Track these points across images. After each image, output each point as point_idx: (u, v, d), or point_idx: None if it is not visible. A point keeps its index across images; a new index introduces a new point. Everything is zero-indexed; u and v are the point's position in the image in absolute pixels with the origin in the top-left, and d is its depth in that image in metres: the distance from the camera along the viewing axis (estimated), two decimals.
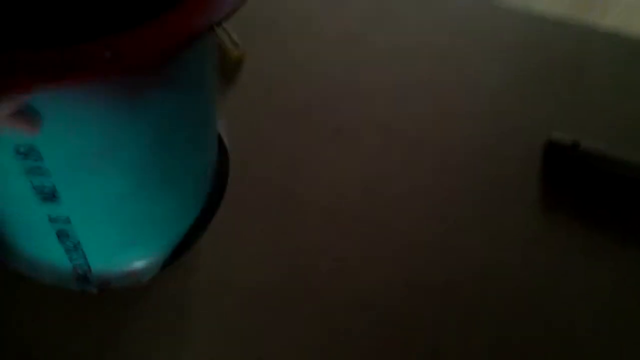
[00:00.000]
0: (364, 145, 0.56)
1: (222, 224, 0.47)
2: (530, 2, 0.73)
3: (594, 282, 0.49)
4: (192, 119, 0.34)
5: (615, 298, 0.48)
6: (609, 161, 0.54)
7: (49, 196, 0.31)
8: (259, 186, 0.52)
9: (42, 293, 0.44)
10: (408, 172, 0.54)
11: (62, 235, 0.35)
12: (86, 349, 0.42)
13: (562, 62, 0.64)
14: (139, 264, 0.41)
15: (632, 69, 0.64)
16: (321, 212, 0.51)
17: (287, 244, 0.49)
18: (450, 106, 0.59)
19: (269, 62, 0.61)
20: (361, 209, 0.51)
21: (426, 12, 0.67)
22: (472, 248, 0.50)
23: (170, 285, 0.45)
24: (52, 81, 0.21)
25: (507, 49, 0.65)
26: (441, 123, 0.58)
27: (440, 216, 0.52)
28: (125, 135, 0.29)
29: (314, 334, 0.45)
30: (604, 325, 0.47)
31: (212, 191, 0.44)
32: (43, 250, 0.38)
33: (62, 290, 0.42)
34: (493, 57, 0.63)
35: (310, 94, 0.59)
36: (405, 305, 0.46)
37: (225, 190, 0.45)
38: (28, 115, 0.24)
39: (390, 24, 0.66)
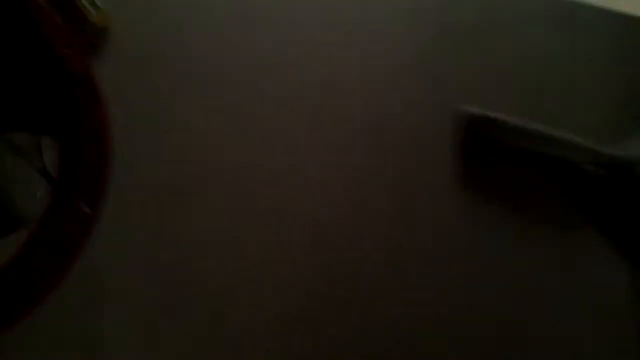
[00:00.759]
0: (263, 124, 0.50)
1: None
2: None
3: (509, 262, 0.48)
4: None
5: (530, 278, 0.47)
6: (523, 135, 0.51)
7: None
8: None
9: None
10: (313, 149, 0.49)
11: None
12: None
13: (464, 30, 0.58)
14: None
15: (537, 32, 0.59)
16: (211, 208, 0.46)
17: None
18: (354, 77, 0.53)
19: (142, 29, 0.52)
20: (264, 193, 0.47)
21: None
22: (383, 231, 0.47)
23: None
24: None
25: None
26: (343, 94, 0.52)
27: (350, 197, 0.48)
28: None
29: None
30: (519, 305, 0.46)
31: None
32: None
33: None
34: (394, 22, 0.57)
35: (194, 69, 0.51)
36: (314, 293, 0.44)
37: None
38: None
39: None
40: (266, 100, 0.51)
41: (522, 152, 0.51)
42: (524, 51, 0.56)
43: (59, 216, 0.39)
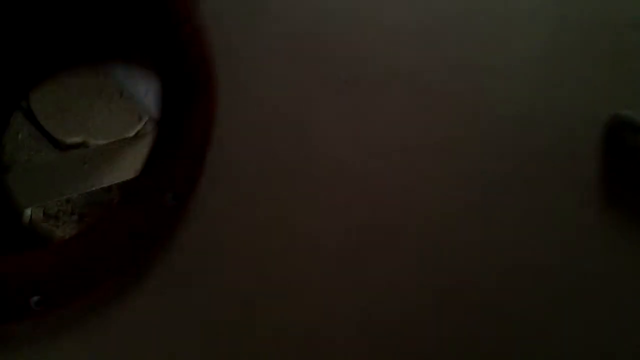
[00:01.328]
0: (380, 101, 0.42)
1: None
2: None
3: None
4: None
5: None
6: None
7: None
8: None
9: None
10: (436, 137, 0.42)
11: None
12: None
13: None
14: None
15: None
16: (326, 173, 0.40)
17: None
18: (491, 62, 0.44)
19: None
20: (378, 174, 0.41)
21: None
22: (513, 241, 0.41)
23: None
24: None
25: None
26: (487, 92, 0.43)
27: (480, 201, 0.41)
28: None
29: None
30: None
31: None
32: None
33: None
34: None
35: (314, 30, 0.41)
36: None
37: None
38: None
39: None
40: (394, 79, 0.41)
41: None
42: None
43: (140, 207, 0.36)
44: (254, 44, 0.39)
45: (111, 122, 1.03)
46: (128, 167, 1.01)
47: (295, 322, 0.37)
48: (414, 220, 0.40)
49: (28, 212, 1.00)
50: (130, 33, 0.42)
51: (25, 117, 0.77)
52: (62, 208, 1.01)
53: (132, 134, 1.04)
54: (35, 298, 0.32)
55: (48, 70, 0.59)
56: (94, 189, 0.99)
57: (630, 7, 0.47)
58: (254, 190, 0.38)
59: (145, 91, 0.56)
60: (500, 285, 0.41)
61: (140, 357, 0.35)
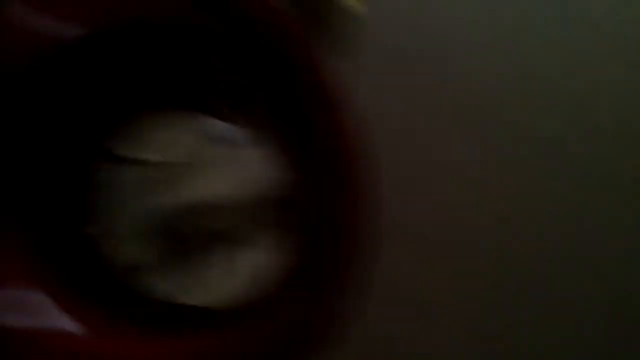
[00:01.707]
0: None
1: None
2: None
3: None
4: None
5: None
6: None
7: None
8: None
9: None
10: None
11: None
12: None
13: None
14: None
15: None
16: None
17: None
18: None
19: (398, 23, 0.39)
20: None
21: None
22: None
23: None
24: None
25: None
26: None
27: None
28: None
29: None
30: None
31: None
32: None
33: None
34: None
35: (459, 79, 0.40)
36: None
37: None
38: None
39: None
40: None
41: None
42: None
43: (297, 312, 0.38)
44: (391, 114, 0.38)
45: (175, 141, 1.02)
46: (190, 187, 1.01)
47: None
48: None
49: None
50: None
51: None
52: (124, 227, 1.01)
53: (195, 153, 1.03)
54: None
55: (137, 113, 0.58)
56: (156, 207, 0.99)
57: None
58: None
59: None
60: None
61: None
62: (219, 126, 0.92)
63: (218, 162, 1.02)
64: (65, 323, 0.32)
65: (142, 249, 1.02)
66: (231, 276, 0.89)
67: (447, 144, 0.42)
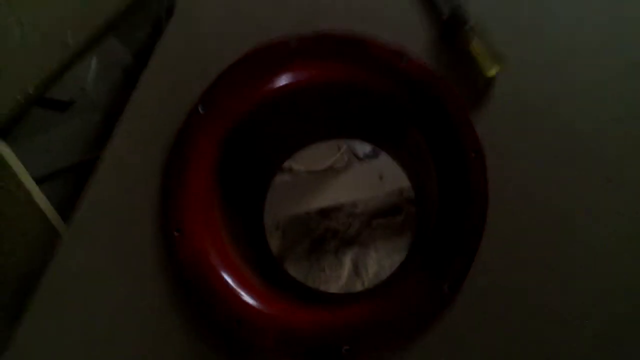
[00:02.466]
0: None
1: None
2: None
3: None
4: None
5: None
6: None
7: None
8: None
9: None
10: None
11: None
12: None
13: None
14: None
15: None
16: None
17: None
18: None
19: (529, 87, 0.49)
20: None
21: None
22: None
23: None
24: None
25: None
26: None
27: None
28: None
29: None
30: None
31: None
32: None
33: None
34: None
35: (576, 133, 0.47)
36: None
37: None
38: None
39: None
40: None
41: None
42: None
43: (423, 289, 0.47)
44: (518, 162, 0.48)
45: (314, 152, 1.18)
46: (328, 194, 1.15)
47: None
48: None
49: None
50: (413, 144, 0.52)
51: None
52: (270, 224, 1.18)
53: (330, 163, 1.18)
54: (346, 347, 0.44)
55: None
56: (298, 210, 1.15)
57: None
58: (518, 287, 0.46)
59: None
60: None
61: None
62: (359, 146, 1.07)
63: (349, 172, 1.16)
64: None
65: (288, 243, 1.19)
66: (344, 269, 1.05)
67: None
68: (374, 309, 0.46)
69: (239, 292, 0.47)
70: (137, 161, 0.50)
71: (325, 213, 1.19)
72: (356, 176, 1.13)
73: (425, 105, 0.48)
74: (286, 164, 1.19)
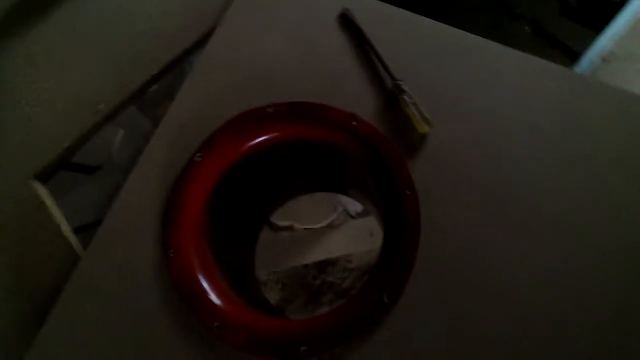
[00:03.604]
0: (546, 239, 0.59)
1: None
2: None
3: None
4: None
5: None
6: None
7: None
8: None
9: None
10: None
11: None
12: None
13: None
14: None
15: None
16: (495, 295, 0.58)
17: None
18: None
19: (453, 142, 0.62)
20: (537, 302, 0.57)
21: None
22: None
23: None
24: None
25: None
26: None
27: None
28: None
29: None
30: None
31: None
32: None
33: None
34: None
35: (493, 180, 0.59)
36: None
37: None
38: None
39: None
40: (555, 223, 0.58)
41: None
42: None
43: (366, 300, 0.57)
44: (447, 201, 0.60)
45: (313, 212, 1.30)
46: (324, 249, 1.26)
47: None
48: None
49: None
50: (367, 186, 0.65)
51: None
52: (270, 277, 1.28)
53: (328, 221, 1.29)
54: (304, 347, 0.54)
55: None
56: (296, 265, 1.25)
57: None
58: (444, 298, 0.56)
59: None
60: None
61: None
62: (347, 202, 1.19)
63: (343, 229, 1.28)
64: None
65: (287, 295, 1.28)
66: None
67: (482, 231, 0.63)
68: (328, 318, 0.57)
69: (218, 302, 0.58)
70: (147, 197, 0.64)
71: (321, 267, 1.29)
72: (349, 233, 1.24)
73: (371, 155, 0.61)
74: (287, 223, 1.31)
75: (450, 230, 0.59)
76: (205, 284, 0.59)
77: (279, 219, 1.30)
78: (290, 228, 1.28)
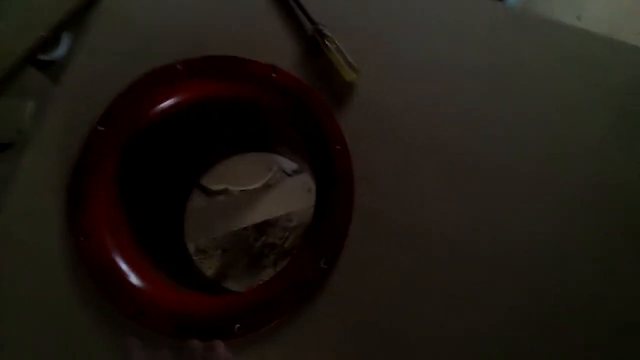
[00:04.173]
0: (479, 182, 0.57)
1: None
2: None
3: None
4: None
5: None
6: None
7: None
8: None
9: None
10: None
11: None
12: None
13: None
14: None
15: None
16: (433, 247, 0.55)
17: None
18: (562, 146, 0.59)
19: (383, 89, 0.57)
20: (474, 249, 0.55)
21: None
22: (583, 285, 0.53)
23: None
24: None
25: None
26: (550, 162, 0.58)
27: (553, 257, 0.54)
28: None
29: None
30: None
31: None
32: None
33: None
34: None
35: (424, 127, 0.56)
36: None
37: None
38: None
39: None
40: (488, 164, 0.55)
41: None
42: None
43: (302, 267, 0.54)
44: (380, 151, 0.56)
45: (247, 172, 1.24)
46: (261, 210, 1.21)
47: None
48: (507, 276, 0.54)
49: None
50: (296, 142, 0.60)
51: None
52: (209, 244, 1.23)
53: (263, 182, 1.24)
54: (237, 325, 0.50)
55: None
56: (235, 228, 1.20)
57: None
58: (382, 255, 0.53)
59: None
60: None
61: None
62: (282, 160, 1.14)
63: (279, 188, 1.23)
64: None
65: (229, 261, 1.23)
66: None
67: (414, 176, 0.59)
68: (262, 291, 0.53)
69: (142, 287, 0.53)
70: (47, 178, 0.56)
71: (261, 229, 1.24)
72: (287, 191, 1.20)
73: (295, 108, 0.56)
74: (221, 186, 1.25)
75: (384, 185, 0.55)
76: (124, 268, 0.53)
77: (213, 183, 1.23)
78: (225, 192, 1.22)
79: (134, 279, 0.53)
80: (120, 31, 0.61)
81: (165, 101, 0.57)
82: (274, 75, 0.57)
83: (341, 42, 0.58)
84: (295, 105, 0.56)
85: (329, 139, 0.55)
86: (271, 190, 1.20)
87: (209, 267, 1.22)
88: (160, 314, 0.51)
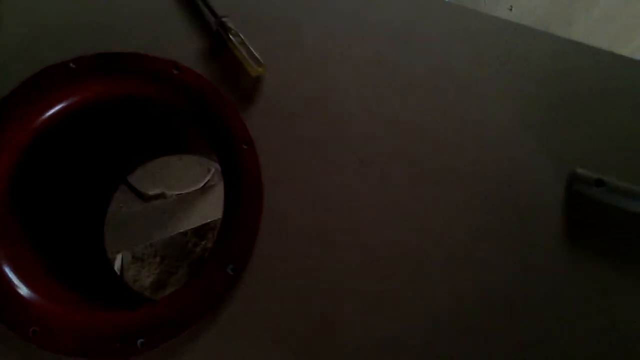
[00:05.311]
0: (389, 177, 0.56)
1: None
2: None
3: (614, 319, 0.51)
4: None
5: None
6: (634, 199, 0.52)
7: None
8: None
9: None
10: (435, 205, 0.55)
11: None
12: None
13: (584, 92, 0.60)
14: None
15: None
16: (347, 248, 0.53)
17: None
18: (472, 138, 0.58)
19: (290, 83, 0.55)
20: (388, 244, 0.53)
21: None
22: (496, 281, 0.52)
23: None
24: None
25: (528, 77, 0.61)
26: (462, 155, 0.57)
27: (466, 252, 0.53)
28: None
29: None
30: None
31: None
32: None
33: None
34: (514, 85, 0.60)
35: (334, 122, 0.54)
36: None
37: None
38: None
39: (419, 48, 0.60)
40: (398, 158, 0.54)
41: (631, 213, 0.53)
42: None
43: (209, 275, 0.51)
44: (289, 149, 0.53)
45: (184, 175, 1.20)
46: (199, 214, 1.17)
47: None
48: (417, 269, 0.52)
49: (119, 256, 1.17)
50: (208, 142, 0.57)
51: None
52: (147, 251, 1.19)
53: (200, 184, 1.20)
54: (141, 340, 0.47)
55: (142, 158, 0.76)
56: (172, 234, 1.16)
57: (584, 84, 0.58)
58: (294, 258, 0.51)
59: None
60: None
61: None
62: (212, 163, 1.10)
63: (218, 190, 1.19)
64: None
65: (168, 268, 1.19)
66: None
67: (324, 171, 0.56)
68: (168, 302, 0.49)
69: (36, 301, 0.48)
70: None
71: (201, 233, 1.21)
72: (216, 193, 1.17)
73: (199, 106, 0.53)
74: (157, 190, 1.21)
75: (294, 184, 0.53)
76: (15, 281, 0.49)
77: (148, 187, 1.18)
78: (161, 196, 1.17)
79: (28, 294, 0.49)
80: (5, 27, 0.57)
81: (56, 105, 0.52)
82: (175, 72, 0.54)
83: (247, 35, 0.55)
84: (198, 103, 0.53)
85: (234, 138, 0.52)
86: (210, 193, 1.16)
87: (147, 276, 1.17)
88: (61, 332, 0.47)
